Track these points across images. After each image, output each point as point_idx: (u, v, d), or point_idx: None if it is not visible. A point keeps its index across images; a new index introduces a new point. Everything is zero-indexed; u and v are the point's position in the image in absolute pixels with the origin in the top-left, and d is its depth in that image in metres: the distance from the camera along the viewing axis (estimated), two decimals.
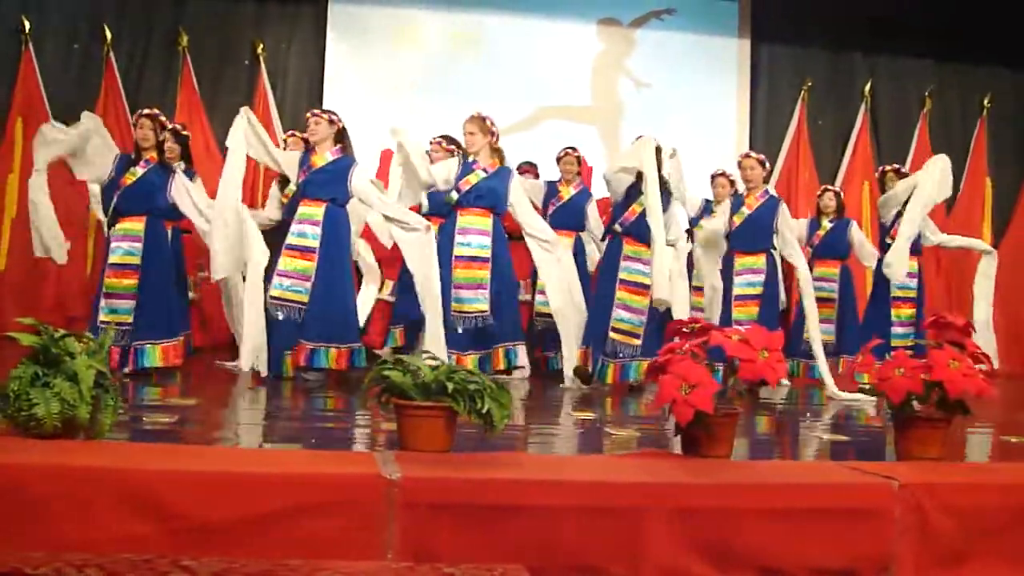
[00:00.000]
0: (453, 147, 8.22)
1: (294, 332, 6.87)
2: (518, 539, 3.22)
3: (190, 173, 7.58)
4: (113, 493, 3.10)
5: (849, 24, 10.85)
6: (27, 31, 9.54)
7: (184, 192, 6.96)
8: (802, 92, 10.90)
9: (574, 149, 8.78)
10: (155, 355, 6.83)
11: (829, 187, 9.13)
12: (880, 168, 9.19)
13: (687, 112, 10.45)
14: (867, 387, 7.63)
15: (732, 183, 8.80)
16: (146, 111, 7.11)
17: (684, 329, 4.02)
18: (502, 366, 7.38)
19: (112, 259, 6.89)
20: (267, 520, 3.12)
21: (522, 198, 7.54)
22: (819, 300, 8.28)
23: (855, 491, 3.55)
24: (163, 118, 7.13)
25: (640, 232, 7.17)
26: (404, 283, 7.67)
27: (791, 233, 7.81)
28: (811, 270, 8.43)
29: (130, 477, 3.16)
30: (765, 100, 11.03)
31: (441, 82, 10.23)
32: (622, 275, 7.36)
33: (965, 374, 3.97)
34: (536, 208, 8.12)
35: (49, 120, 8.79)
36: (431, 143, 8.31)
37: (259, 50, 10.06)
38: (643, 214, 7.10)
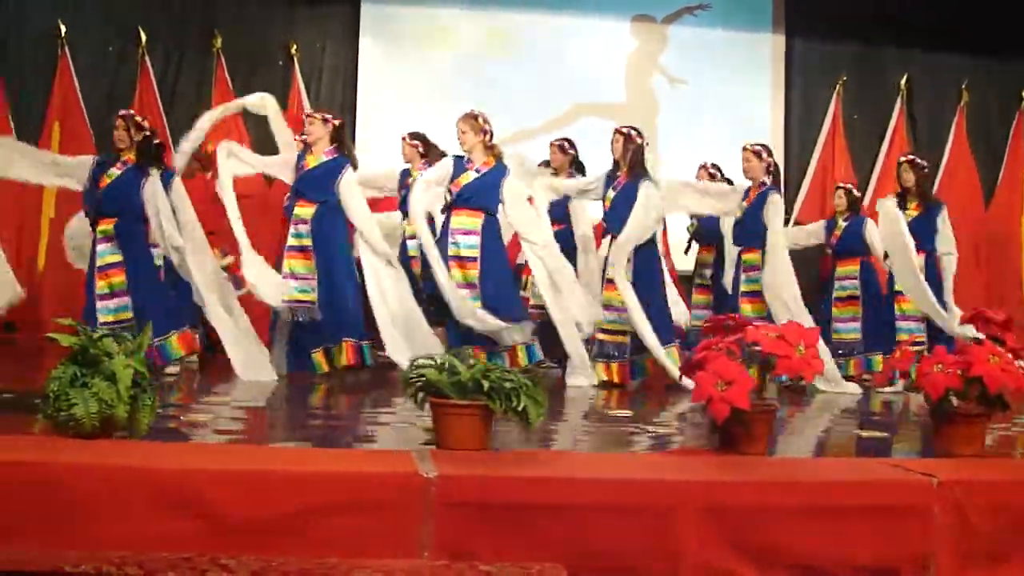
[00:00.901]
0: (418, 143, 8.24)
1: (322, 331, 6.89)
2: (555, 537, 3.21)
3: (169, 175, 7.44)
4: (152, 492, 3.12)
5: (884, 17, 10.77)
6: (62, 34, 9.62)
7: (152, 196, 6.87)
8: (837, 87, 10.83)
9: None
10: (176, 346, 6.89)
11: (841, 184, 8.99)
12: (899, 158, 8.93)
13: (721, 108, 10.41)
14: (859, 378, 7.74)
15: (712, 176, 8.62)
16: (122, 112, 7.18)
17: (721, 325, 4.00)
18: (522, 363, 7.16)
19: (98, 262, 6.93)
20: (305, 518, 3.13)
21: (516, 196, 7.30)
22: (844, 299, 8.35)
23: (894, 488, 3.52)
24: (139, 119, 7.15)
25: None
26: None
27: (775, 226, 7.60)
28: (834, 269, 8.53)
29: (169, 476, 3.18)
30: (800, 95, 10.97)
31: (474, 81, 10.23)
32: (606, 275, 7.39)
33: (1004, 369, 3.93)
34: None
35: (85, 122, 8.92)
36: (401, 139, 8.33)
37: (293, 51, 10.10)
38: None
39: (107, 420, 3.60)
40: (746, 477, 3.50)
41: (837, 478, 3.66)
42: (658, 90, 10.76)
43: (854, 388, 7.47)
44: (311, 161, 7.10)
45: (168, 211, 6.85)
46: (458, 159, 7.35)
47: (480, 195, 7.26)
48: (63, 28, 9.63)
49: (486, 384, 3.69)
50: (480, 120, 7.32)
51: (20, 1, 9.79)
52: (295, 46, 10.11)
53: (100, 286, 6.90)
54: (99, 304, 6.89)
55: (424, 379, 3.83)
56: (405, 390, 3.94)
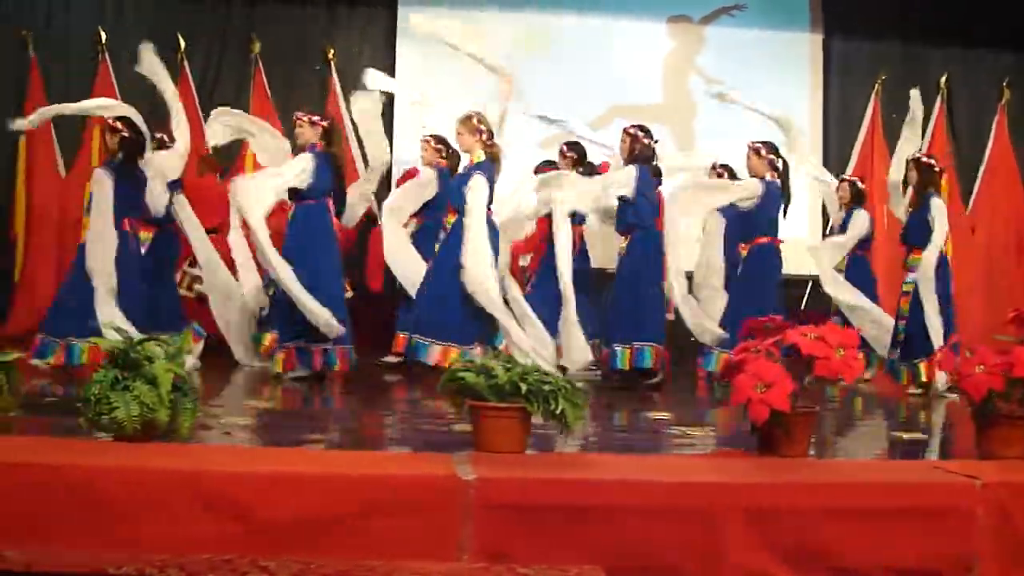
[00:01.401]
0: (441, 147, 8.24)
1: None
2: (594, 540, 3.21)
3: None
4: (193, 495, 3.14)
5: (923, 14, 10.67)
6: (103, 41, 9.71)
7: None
8: (876, 85, 10.74)
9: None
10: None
11: (845, 177, 8.85)
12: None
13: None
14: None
15: (721, 176, 8.55)
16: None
17: (761, 327, 3.98)
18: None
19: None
20: (344, 521, 3.14)
21: (475, 199, 7.11)
22: None
23: (936, 490, 3.49)
24: (111, 121, 7.26)
25: None
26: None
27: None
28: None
29: (209, 479, 3.20)
30: (838, 95, 10.89)
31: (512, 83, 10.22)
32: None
33: None
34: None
35: None
36: (421, 141, 8.35)
37: (330, 55, 10.13)
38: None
39: (148, 423, 3.63)
40: (786, 479, 3.48)
41: (878, 480, 3.63)
42: (695, 91, 10.71)
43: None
44: None
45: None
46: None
47: (455, 196, 7.30)
48: (103, 35, 9.72)
49: (524, 387, 3.69)
50: (475, 120, 7.34)
51: (62, 9, 9.89)
52: (332, 50, 10.15)
53: None
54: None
55: (462, 382, 3.84)
56: (443, 393, 3.94)
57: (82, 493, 3.15)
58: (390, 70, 10.31)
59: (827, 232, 8.91)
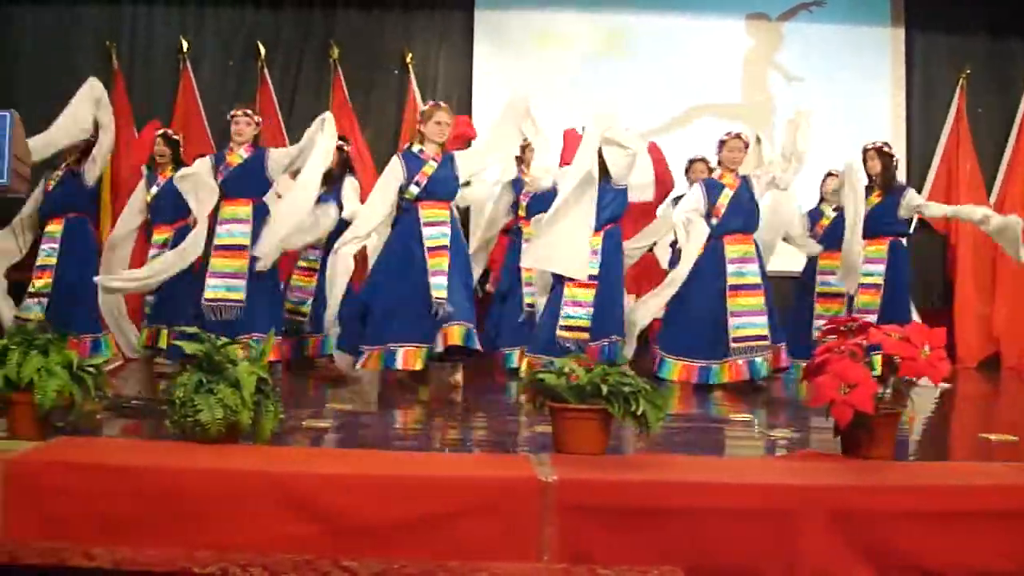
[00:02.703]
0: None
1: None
2: (674, 541, 3.19)
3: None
4: (276, 496, 3.18)
5: (1008, 6, 10.45)
6: (185, 50, 9.87)
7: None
8: (960, 80, 10.52)
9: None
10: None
11: (833, 171, 8.57)
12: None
13: (840, 105, 10.20)
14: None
15: (711, 171, 8.33)
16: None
17: (842, 328, 3.93)
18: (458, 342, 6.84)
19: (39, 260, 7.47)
20: (425, 522, 3.16)
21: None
22: (830, 295, 8.11)
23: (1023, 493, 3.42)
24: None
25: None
26: None
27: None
28: (819, 262, 8.28)
29: (292, 480, 3.24)
30: (921, 90, 10.69)
31: (589, 84, 10.19)
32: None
33: None
34: None
35: (208, 136, 9.14)
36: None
37: (408, 59, 10.19)
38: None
39: (232, 426, 3.68)
40: (873, 481, 3.43)
41: (964, 482, 3.56)
42: (774, 89, 10.60)
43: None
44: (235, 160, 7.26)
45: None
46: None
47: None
48: (185, 45, 9.89)
49: (604, 388, 3.68)
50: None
51: (146, 20, 10.07)
52: (410, 54, 10.20)
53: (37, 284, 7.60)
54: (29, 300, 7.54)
55: (543, 383, 3.84)
56: (522, 395, 3.95)
57: (168, 494, 3.20)
58: (467, 72, 10.37)
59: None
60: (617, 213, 7.30)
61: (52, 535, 3.11)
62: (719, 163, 7.53)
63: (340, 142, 7.78)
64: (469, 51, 10.40)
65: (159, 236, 8.08)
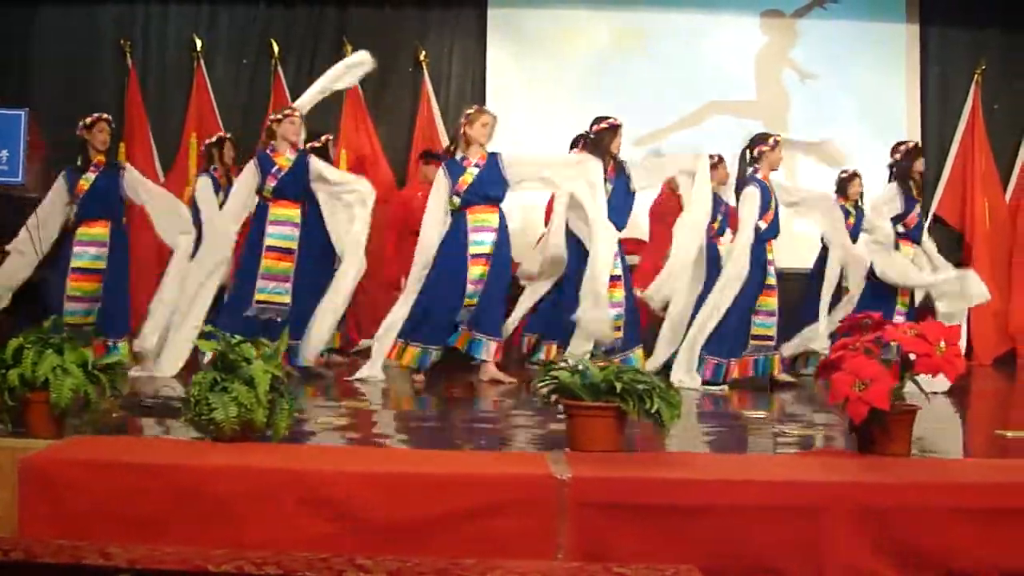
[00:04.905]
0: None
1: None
2: (690, 539, 3.18)
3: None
4: (290, 494, 3.18)
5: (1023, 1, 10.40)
6: (198, 49, 9.89)
7: (134, 185, 7.21)
8: (976, 76, 10.48)
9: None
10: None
11: (847, 170, 8.50)
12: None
13: (855, 102, 10.19)
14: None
15: (715, 167, 8.20)
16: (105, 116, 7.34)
17: (858, 324, 3.92)
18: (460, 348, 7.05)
19: (76, 263, 7.12)
20: (440, 520, 3.16)
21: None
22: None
23: None
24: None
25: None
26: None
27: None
28: None
29: (306, 478, 3.24)
30: (936, 86, 10.65)
31: (602, 82, 10.18)
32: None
33: None
34: None
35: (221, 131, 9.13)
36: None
37: (421, 57, 10.18)
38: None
39: (246, 424, 3.68)
40: (891, 478, 3.41)
41: (984, 479, 3.54)
42: (789, 86, 10.57)
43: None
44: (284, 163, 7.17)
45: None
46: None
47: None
48: (199, 43, 9.90)
49: (619, 386, 3.68)
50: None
51: (159, 18, 10.09)
52: (424, 52, 10.20)
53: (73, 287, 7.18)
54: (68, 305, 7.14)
55: (557, 381, 3.84)
56: (537, 392, 3.95)
57: (183, 493, 3.21)
58: (481, 70, 10.36)
59: None
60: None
61: (68, 533, 3.12)
62: (757, 168, 7.40)
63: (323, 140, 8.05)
64: (482, 49, 10.39)
65: None
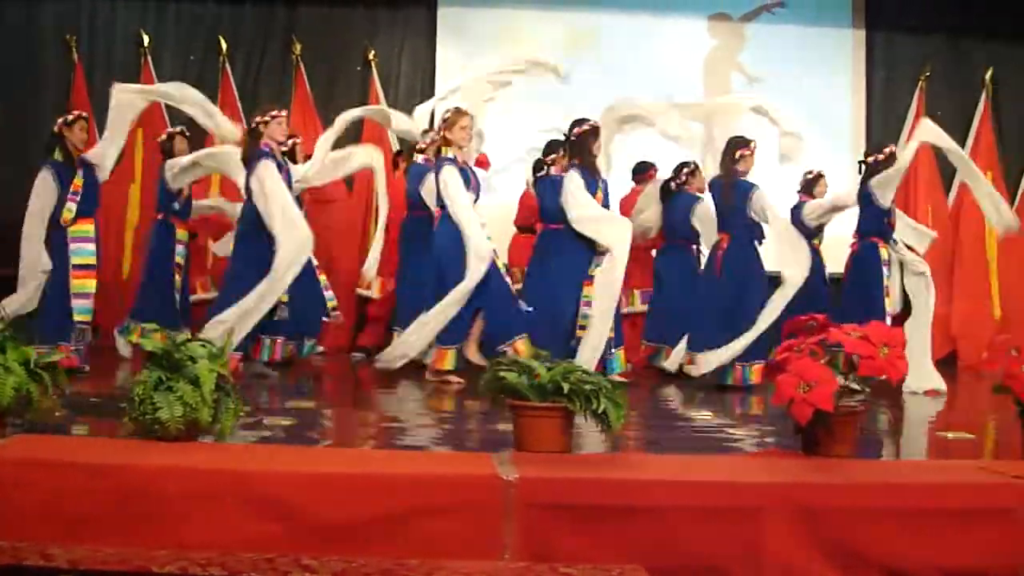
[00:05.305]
0: None
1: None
2: (636, 539, 3.19)
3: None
4: (235, 494, 3.16)
5: (968, 8, 10.54)
6: (145, 44, 9.80)
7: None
8: (920, 82, 10.62)
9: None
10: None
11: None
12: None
13: (802, 106, 10.21)
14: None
15: (693, 173, 8.34)
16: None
17: (803, 327, 3.95)
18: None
19: (76, 260, 7.01)
20: (386, 520, 3.15)
21: None
22: None
23: (983, 491, 3.46)
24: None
25: None
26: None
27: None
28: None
29: (252, 478, 3.22)
30: (882, 91, 10.78)
31: (551, 82, 10.19)
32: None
33: None
34: None
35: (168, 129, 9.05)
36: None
37: (371, 56, 10.16)
38: None
39: (191, 423, 3.65)
40: (832, 479, 3.45)
41: (926, 480, 3.59)
42: (737, 89, 10.64)
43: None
44: None
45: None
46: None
47: None
48: (146, 38, 9.81)
49: (566, 386, 3.68)
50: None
51: (105, 12, 9.98)
52: (373, 51, 10.17)
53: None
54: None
55: (504, 381, 3.84)
56: (484, 392, 3.95)
57: (126, 493, 3.17)
58: (430, 69, 10.35)
59: None
60: None
61: (8, 534, 3.07)
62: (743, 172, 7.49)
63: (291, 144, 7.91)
64: (432, 49, 10.39)
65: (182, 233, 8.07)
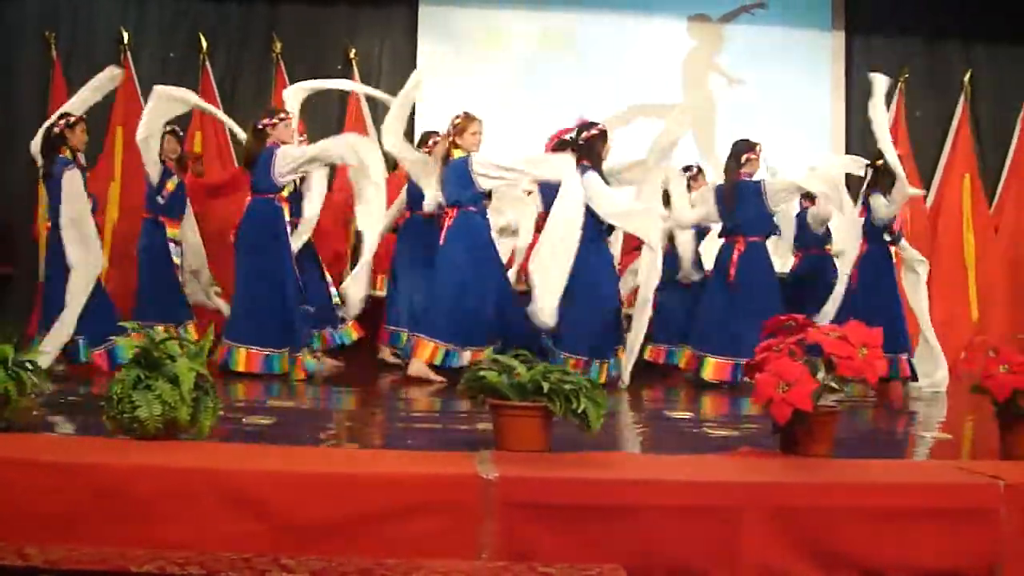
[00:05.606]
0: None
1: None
2: (615, 539, 3.20)
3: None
4: (215, 493, 3.15)
5: (947, 10, 10.59)
6: (125, 41, 9.76)
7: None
8: (899, 83, 10.66)
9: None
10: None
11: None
12: None
13: (781, 108, 10.29)
14: None
15: (695, 177, 8.55)
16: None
17: (782, 326, 3.97)
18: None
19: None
20: (365, 520, 3.14)
21: None
22: None
23: (960, 491, 3.47)
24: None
25: None
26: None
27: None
28: None
29: (231, 478, 3.21)
30: (861, 92, 10.75)
31: (531, 82, 10.22)
32: None
33: None
34: None
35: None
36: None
37: (351, 55, 10.15)
38: None
39: (170, 422, 3.64)
40: (810, 479, 3.46)
41: (903, 480, 3.61)
42: (716, 90, 10.67)
43: None
44: None
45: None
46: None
47: None
48: (126, 35, 9.77)
49: (546, 386, 3.69)
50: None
51: (85, 9, 9.94)
52: (353, 50, 10.16)
53: None
54: None
55: (484, 381, 3.84)
56: (464, 392, 3.95)
57: (104, 492, 3.16)
58: (410, 68, 10.33)
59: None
60: None
61: None
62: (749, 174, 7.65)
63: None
64: (413, 47, 10.39)
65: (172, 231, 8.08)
